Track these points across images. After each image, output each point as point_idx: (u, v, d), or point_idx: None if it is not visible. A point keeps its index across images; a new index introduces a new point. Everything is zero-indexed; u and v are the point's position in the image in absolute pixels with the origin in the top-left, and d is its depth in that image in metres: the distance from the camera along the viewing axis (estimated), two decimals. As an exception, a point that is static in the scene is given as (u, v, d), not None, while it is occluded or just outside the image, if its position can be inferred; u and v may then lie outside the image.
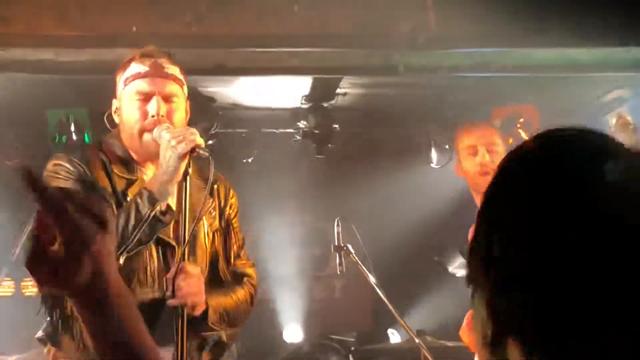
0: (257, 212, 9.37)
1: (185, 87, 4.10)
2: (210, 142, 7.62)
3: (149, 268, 3.87)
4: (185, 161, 3.76)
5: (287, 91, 7.33)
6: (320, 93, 7.37)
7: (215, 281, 4.18)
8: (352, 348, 8.11)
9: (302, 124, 7.86)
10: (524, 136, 7.27)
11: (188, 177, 3.78)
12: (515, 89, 7.04)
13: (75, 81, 6.32)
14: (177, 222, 3.92)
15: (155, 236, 3.82)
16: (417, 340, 5.45)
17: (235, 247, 4.33)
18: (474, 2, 5.40)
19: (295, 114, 7.90)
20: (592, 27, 5.34)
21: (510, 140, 7.28)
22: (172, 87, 3.99)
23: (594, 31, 5.38)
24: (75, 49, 5.46)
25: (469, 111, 7.74)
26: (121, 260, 3.70)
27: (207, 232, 4.13)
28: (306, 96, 7.44)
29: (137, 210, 3.70)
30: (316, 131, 7.74)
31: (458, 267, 9.17)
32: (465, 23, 5.45)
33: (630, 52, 5.77)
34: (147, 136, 3.90)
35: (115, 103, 4.05)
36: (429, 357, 5.41)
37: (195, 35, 5.30)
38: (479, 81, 6.67)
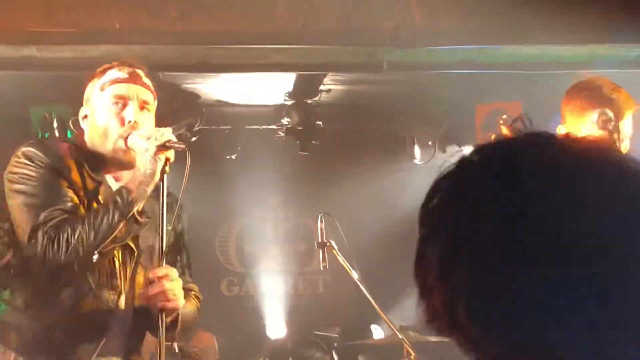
0: (241, 208, 9.38)
1: (156, 101, 4.09)
2: (193, 138, 7.62)
3: (110, 271, 3.87)
4: (161, 162, 3.75)
5: (271, 88, 7.35)
6: (304, 90, 7.38)
7: None
8: (336, 344, 8.13)
9: (285, 120, 7.87)
10: (506, 133, 7.29)
11: (165, 177, 3.78)
12: (499, 85, 7.06)
13: (58, 77, 6.31)
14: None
15: (130, 236, 3.82)
16: (400, 336, 5.47)
17: (183, 262, 4.36)
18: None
19: (278, 110, 7.91)
20: (577, 25, 5.36)
21: (493, 137, 7.30)
22: (147, 95, 3.99)
23: (579, 29, 5.41)
24: (59, 46, 5.46)
25: (452, 108, 7.76)
26: (94, 258, 3.70)
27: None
28: (289, 93, 7.45)
29: (117, 208, 3.70)
30: (299, 128, 7.74)
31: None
32: (449, 20, 5.47)
33: (614, 49, 5.80)
34: (120, 142, 3.89)
35: (84, 110, 4.04)
36: (411, 352, 5.42)
37: (180, 31, 5.30)
38: (463, 78, 6.69)
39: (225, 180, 8.79)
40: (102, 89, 3.92)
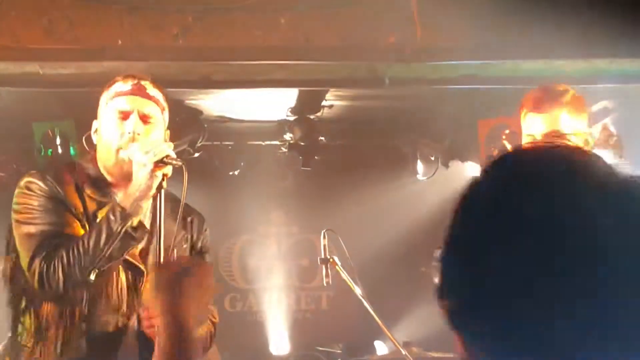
0: (244, 224, 9.38)
1: (166, 113, 4.03)
2: (196, 154, 7.62)
3: (115, 291, 3.85)
4: (158, 178, 3.74)
5: (273, 104, 7.35)
6: (306, 105, 7.38)
7: None
8: (339, 359, 8.11)
9: (288, 136, 7.88)
10: (509, 148, 7.29)
11: (162, 192, 3.76)
12: (501, 100, 7.05)
13: (61, 94, 6.31)
14: (147, 244, 3.91)
15: (126, 253, 3.80)
16: (403, 352, 5.46)
17: None
18: (459, 14, 5.42)
19: (281, 126, 7.91)
20: (578, 39, 5.36)
21: (495, 152, 7.29)
22: (151, 108, 3.94)
23: (580, 43, 5.41)
24: (61, 62, 5.46)
25: (455, 123, 7.76)
26: (92, 277, 3.69)
27: None
28: (292, 108, 7.45)
29: (109, 226, 3.69)
30: (302, 143, 7.75)
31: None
32: (451, 35, 5.47)
33: (615, 63, 5.80)
34: (122, 154, 3.87)
35: (95, 124, 4.04)
36: (415, 368, 5.42)
37: (182, 48, 5.31)
38: (465, 93, 6.69)
39: (228, 196, 8.79)
40: (106, 103, 3.92)
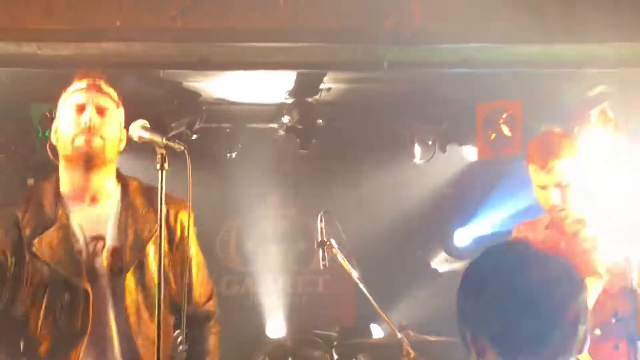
0: (241, 206, 9.37)
1: (121, 110, 4.13)
2: (194, 136, 7.61)
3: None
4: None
5: (271, 86, 7.34)
6: (304, 88, 7.37)
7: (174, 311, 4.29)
8: (335, 343, 8.13)
9: (285, 119, 7.86)
10: (506, 131, 7.29)
11: (164, 176, 3.76)
12: (499, 84, 7.05)
13: (59, 75, 6.29)
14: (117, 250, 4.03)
15: None
16: (399, 335, 5.47)
17: (194, 278, 4.46)
18: (458, -3, 5.41)
19: (279, 109, 7.90)
20: (577, 23, 5.36)
21: (493, 136, 7.31)
22: (106, 101, 4.08)
23: (579, 27, 5.40)
24: (59, 43, 5.45)
25: (453, 106, 7.76)
26: None
27: (154, 259, 4.12)
28: (290, 91, 7.44)
29: None
30: (300, 126, 7.74)
31: (440, 262, 9.20)
32: (450, 18, 5.45)
33: (613, 48, 5.79)
34: (77, 141, 3.96)
35: (53, 125, 4.13)
36: (411, 351, 5.43)
37: (180, 29, 5.29)
38: (464, 76, 6.68)
39: (226, 179, 8.78)
40: (64, 101, 4.05)
